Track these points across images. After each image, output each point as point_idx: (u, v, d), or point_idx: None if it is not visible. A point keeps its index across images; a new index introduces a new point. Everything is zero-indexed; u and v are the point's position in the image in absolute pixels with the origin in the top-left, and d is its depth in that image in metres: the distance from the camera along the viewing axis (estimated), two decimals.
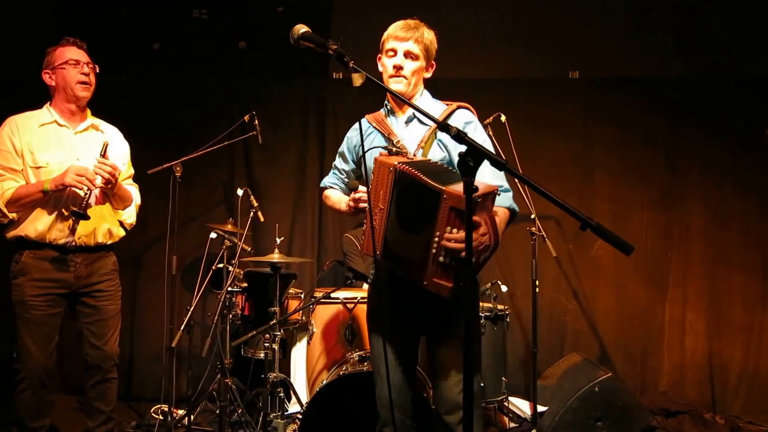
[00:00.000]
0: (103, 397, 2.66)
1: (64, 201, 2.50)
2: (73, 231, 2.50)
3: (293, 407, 3.35)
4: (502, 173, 1.97)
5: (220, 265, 3.32)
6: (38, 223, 2.47)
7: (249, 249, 3.43)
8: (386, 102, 2.22)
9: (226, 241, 3.30)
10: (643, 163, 4.08)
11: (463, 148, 1.49)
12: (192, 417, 3.27)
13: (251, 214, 3.39)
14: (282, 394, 3.16)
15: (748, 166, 3.99)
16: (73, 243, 2.52)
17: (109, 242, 2.67)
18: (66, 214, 2.50)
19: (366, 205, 1.96)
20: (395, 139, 2.09)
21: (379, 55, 2.19)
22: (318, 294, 3.23)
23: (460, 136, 1.56)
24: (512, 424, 3.50)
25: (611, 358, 3.99)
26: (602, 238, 1.69)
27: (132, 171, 2.86)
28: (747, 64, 4.00)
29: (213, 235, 3.35)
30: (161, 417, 3.47)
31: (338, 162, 2.36)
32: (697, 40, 4.03)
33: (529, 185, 1.66)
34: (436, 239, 1.78)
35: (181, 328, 3.03)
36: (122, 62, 3.93)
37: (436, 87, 2.25)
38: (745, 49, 3.99)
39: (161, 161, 3.38)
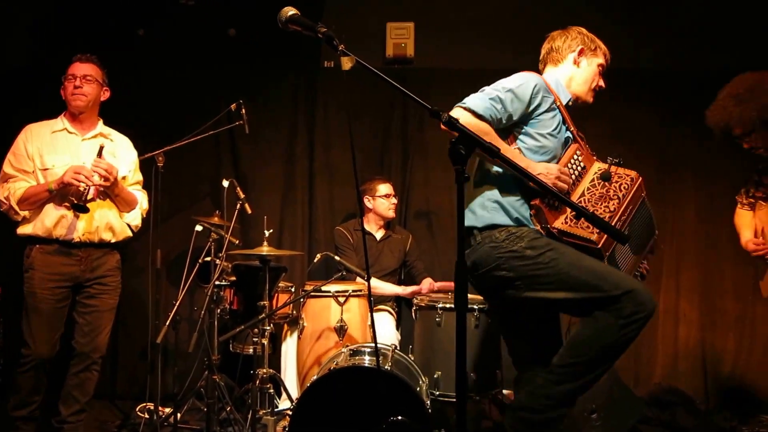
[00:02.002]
0: (82, 387, 2.80)
1: (68, 199, 2.70)
2: (73, 227, 2.71)
3: (283, 404, 3.29)
4: None
5: (207, 259, 3.26)
6: (46, 220, 2.69)
7: (237, 242, 3.36)
8: (565, 91, 2.30)
9: (212, 233, 3.24)
10: (634, 152, 4.01)
11: None
12: (179, 415, 3.20)
13: (238, 206, 3.32)
14: (272, 391, 3.09)
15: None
16: (78, 239, 2.72)
17: (113, 240, 2.85)
18: (69, 211, 2.70)
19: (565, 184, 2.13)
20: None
21: (582, 52, 2.28)
22: (308, 287, 3.16)
23: (451, 123, 1.52)
24: None
25: None
26: (597, 227, 1.66)
27: (140, 177, 3.05)
28: (740, 57, 3.95)
29: (198, 227, 3.32)
30: (147, 416, 3.39)
31: (508, 98, 2.04)
32: (684, 32, 4.00)
33: (520, 172, 1.61)
34: (642, 264, 2.28)
35: (167, 324, 2.96)
36: (105, 49, 3.78)
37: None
38: (730, 41, 3.95)
39: (144, 152, 3.28)
